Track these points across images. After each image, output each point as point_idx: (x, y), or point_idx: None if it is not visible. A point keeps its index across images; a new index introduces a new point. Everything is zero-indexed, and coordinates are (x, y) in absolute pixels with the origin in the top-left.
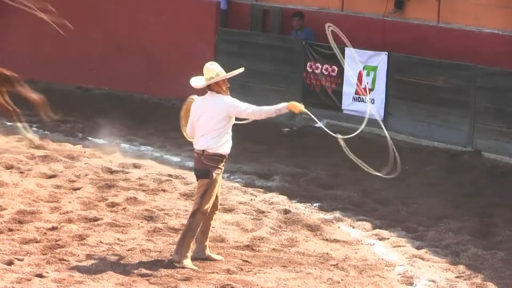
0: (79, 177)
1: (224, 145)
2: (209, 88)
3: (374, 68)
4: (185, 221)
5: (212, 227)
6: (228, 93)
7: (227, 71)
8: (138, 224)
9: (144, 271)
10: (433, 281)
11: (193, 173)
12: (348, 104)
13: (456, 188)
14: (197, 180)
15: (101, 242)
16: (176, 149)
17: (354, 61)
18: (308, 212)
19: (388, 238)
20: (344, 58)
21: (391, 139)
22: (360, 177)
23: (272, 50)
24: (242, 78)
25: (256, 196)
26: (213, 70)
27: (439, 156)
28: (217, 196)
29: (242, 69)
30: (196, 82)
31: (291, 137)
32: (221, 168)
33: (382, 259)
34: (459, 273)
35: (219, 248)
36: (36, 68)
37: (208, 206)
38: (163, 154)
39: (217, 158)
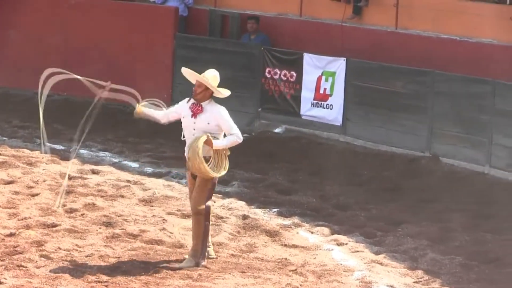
0: (37, 183)
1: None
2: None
3: (333, 74)
4: (143, 227)
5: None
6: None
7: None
8: (97, 230)
9: (102, 277)
10: (392, 286)
11: (151, 179)
12: (306, 110)
13: (414, 193)
14: None
15: (59, 248)
16: (134, 155)
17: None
18: (267, 217)
19: (346, 244)
20: None
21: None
22: (319, 182)
23: (231, 56)
24: None
25: (214, 202)
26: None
27: (397, 161)
28: None
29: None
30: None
31: (250, 143)
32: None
33: (341, 264)
34: (417, 278)
35: (178, 254)
36: None
37: None
38: (121, 160)
39: None
